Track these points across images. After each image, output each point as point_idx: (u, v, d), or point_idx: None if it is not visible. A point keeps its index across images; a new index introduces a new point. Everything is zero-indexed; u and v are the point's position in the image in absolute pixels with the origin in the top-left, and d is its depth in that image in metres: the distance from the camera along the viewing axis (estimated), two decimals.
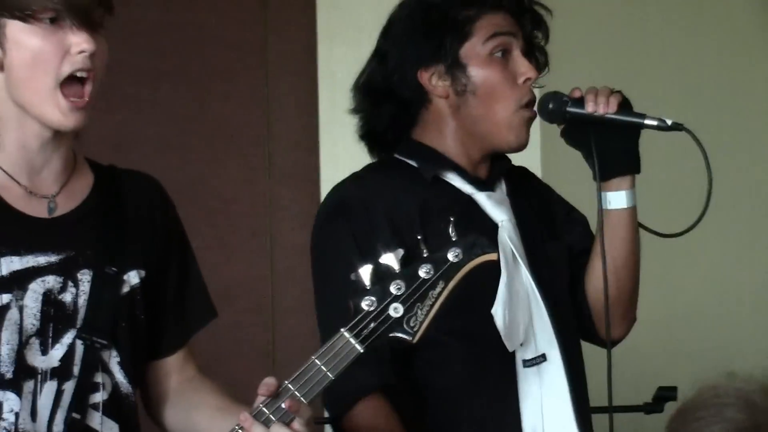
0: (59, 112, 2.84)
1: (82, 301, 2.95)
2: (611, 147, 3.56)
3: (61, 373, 2.91)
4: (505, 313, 3.39)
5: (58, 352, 2.92)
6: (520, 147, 3.60)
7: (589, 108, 3.48)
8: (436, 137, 3.60)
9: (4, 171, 2.94)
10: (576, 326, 3.71)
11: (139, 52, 5.98)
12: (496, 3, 3.52)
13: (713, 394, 1.97)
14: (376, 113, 3.62)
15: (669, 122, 3.53)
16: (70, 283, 2.94)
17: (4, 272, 2.88)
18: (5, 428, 2.85)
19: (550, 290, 3.58)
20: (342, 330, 2.82)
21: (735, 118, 6.92)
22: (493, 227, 3.50)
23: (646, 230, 3.71)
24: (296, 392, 2.81)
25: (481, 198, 3.57)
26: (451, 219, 2.90)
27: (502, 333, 3.35)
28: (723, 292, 6.69)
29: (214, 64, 6.35)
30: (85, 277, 2.96)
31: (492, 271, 3.37)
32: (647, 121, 3.52)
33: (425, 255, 2.85)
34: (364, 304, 2.80)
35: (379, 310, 2.81)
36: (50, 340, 2.92)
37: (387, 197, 3.51)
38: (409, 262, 2.83)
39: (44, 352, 2.91)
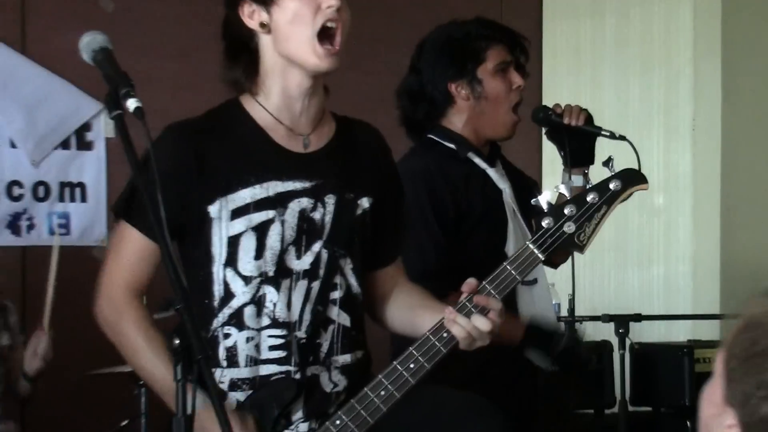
0: (317, 57, 2.90)
1: (328, 219, 3.00)
2: (577, 146, 4.08)
3: (310, 274, 2.98)
4: (513, 248, 3.76)
5: (308, 258, 2.98)
6: (508, 138, 4.18)
7: (566, 120, 4.03)
8: (459, 126, 4.08)
9: (271, 114, 3.00)
10: None
11: (403, 25, 5.98)
12: (498, 38, 4.11)
13: None
14: (414, 109, 4.11)
15: (617, 134, 4.08)
16: (319, 205, 3.00)
17: (271, 193, 2.94)
18: (267, 315, 2.94)
19: None
20: (527, 242, 3.02)
21: None
22: (499, 192, 4.04)
23: None
24: (491, 290, 2.93)
25: (491, 172, 4.05)
26: (612, 157, 3.09)
27: None
28: None
29: None
30: (330, 200, 3.01)
31: (502, 219, 4.00)
32: (603, 132, 4.07)
33: (591, 185, 3.05)
34: (544, 223, 3.00)
35: (556, 227, 2.98)
36: (303, 248, 2.98)
37: (443, 169, 3.97)
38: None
39: (298, 257, 2.97)
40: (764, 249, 6.19)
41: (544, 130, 4.26)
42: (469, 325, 2.88)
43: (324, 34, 2.91)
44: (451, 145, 4.01)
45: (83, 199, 5.69)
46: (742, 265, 6.13)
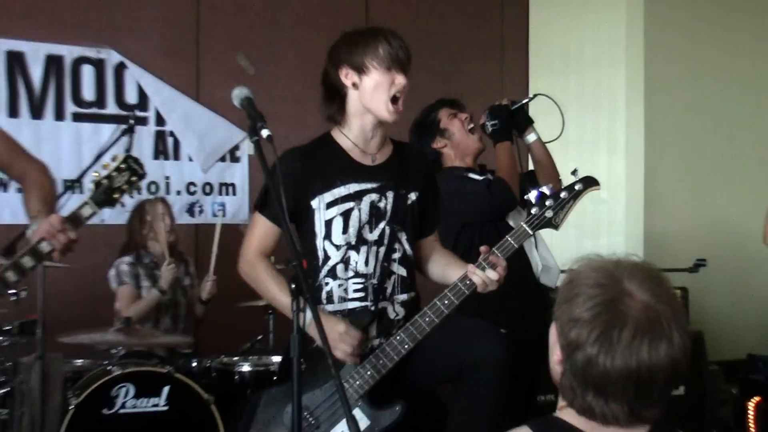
0: (388, 113, 2.95)
1: (389, 207, 3.01)
2: (518, 118, 4.08)
3: (378, 243, 2.99)
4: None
5: (377, 232, 3.00)
6: (482, 151, 4.03)
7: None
8: (452, 161, 3.99)
9: (351, 141, 3.03)
10: None
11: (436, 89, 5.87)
12: (440, 105, 4.06)
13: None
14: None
15: (532, 96, 4.13)
16: (382, 198, 3.01)
17: (351, 191, 2.97)
18: (351, 269, 2.97)
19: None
20: (522, 223, 3.00)
21: None
22: None
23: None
24: (498, 254, 2.93)
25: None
26: (576, 168, 3.07)
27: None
28: None
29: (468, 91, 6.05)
30: (389, 195, 3.02)
31: None
32: (524, 100, 4.09)
33: (563, 186, 3.05)
34: (533, 211, 3.01)
35: (541, 213, 3.00)
36: (373, 226, 3.00)
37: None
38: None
39: (371, 231, 2.99)
40: (672, 227, 6.14)
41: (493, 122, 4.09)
42: (484, 275, 2.88)
43: (393, 99, 2.95)
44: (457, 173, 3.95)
45: (234, 194, 5.71)
46: (657, 237, 6.10)
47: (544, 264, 3.99)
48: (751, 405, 4.90)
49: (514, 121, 4.03)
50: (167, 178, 5.54)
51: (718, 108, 6.45)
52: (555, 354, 1.67)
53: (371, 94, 2.96)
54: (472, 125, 4.00)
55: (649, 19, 6.20)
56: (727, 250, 5.94)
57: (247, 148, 5.68)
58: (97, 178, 2.71)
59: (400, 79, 2.95)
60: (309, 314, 2.43)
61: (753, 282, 5.52)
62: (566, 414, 1.67)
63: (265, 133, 2.41)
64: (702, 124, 6.39)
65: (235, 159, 5.73)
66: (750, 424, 4.91)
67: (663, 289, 1.63)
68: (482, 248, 2.95)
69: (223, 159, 5.69)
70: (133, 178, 2.71)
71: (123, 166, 2.70)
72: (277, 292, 2.93)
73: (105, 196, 2.67)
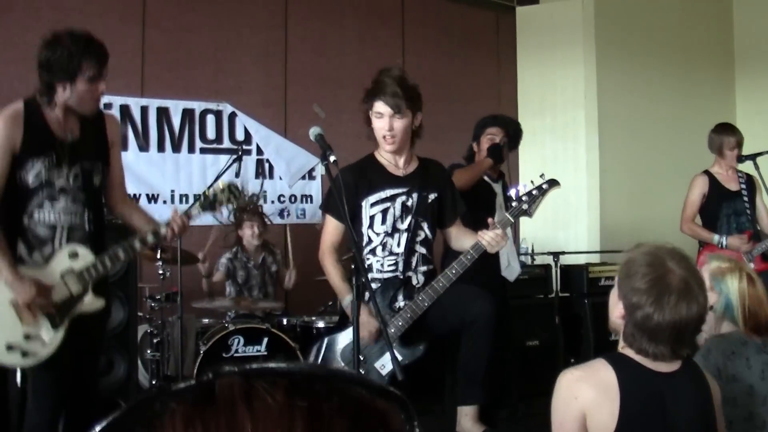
0: (386, 146, 2.93)
1: (414, 205, 2.96)
2: (501, 156, 3.75)
3: (407, 230, 2.94)
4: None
5: (406, 223, 2.94)
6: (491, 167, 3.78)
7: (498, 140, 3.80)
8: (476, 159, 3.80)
9: (386, 159, 3.00)
10: None
11: (447, 116, 5.78)
12: (493, 123, 3.95)
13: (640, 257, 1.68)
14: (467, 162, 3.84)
15: (501, 139, 3.80)
16: (409, 198, 2.96)
17: (387, 195, 2.94)
18: (387, 249, 2.92)
19: None
20: (505, 213, 2.85)
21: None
22: (494, 193, 3.78)
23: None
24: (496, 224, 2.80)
25: (495, 187, 3.79)
26: (543, 174, 2.91)
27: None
28: None
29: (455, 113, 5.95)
30: (414, 195, 2.96)
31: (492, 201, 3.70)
32: (501, 142, 3.79)
33: (535, 185, 2.88)
34: (513, 204, 2.85)
35: (518, 206, 2.86)
36: (403, 218, 2.95)
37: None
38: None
39: (402, 222, 2.94)
40: (618, 221, 6.02)
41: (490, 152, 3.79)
42: (493, 233, 2.78)
43: (384, 139, 2.91)
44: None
45: (311, 202, 5.63)
46: (607, 228, 6.00)
47: (511, 264, 3.85)
48: None
49: (500, 156, 3.80)
50: (264, 191, 5.51)
51: (651, 135, 6.38)
52: (617, 311, 1.68)
53: (376, 132, 2.94)
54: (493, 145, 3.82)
55: (600, 74, 6.16)
56: (656, 235, 5.80)
57: (320, 170, 5.61)
58: (207, 193, 2.73)
59: (389, 125, 2.88)
60: (349, 298, 2.44)
61: None
62: (628, 352, 1.68)
63: (332, 158, 2.40)
64: (639, 147, 6.32)
65: (312, 177, 5.67)
66: None
67: (690, 265, 1.65)
68: (489, 220, 2.84)
69: (303, 177, 5.63)
70: (231, 198, 2.74)
71: (226, 189, 2.72)
72: (336, 280, 2.90)
73: (209, 205, 2.70)
